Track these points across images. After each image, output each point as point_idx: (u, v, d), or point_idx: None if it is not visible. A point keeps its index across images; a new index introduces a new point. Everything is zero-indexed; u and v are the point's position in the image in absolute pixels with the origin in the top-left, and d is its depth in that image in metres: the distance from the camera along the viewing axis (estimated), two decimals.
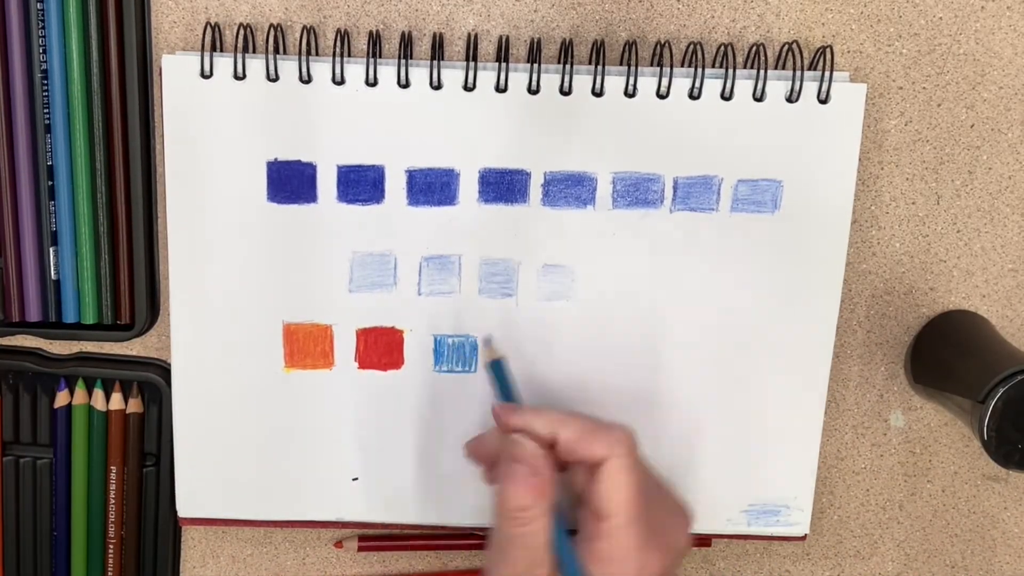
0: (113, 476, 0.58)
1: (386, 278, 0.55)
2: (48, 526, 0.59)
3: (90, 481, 0.58)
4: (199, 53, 0.52)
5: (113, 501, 0.58)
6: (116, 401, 0.57)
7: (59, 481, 0.58)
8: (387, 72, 0.52)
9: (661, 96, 0.53)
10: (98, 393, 0.57)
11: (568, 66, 0.52)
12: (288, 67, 0.52)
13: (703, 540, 0.60)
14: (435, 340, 0.55)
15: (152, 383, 0.57)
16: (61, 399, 0.57)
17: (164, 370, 0.57)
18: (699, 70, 0.52)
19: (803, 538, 0.59)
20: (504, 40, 0.53)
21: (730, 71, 0.53)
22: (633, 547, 0.47)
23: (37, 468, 0.58)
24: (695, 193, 0.54)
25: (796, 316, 0.56)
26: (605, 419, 0.50)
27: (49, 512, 0.58)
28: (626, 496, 0.47)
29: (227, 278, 0.54)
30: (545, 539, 0.47)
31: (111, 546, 0.58)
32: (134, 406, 0.57)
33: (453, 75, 0.52)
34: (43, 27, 0.52)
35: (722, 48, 0.53)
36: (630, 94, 0.53)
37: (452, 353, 0.56)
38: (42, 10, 0.52)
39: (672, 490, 0.53)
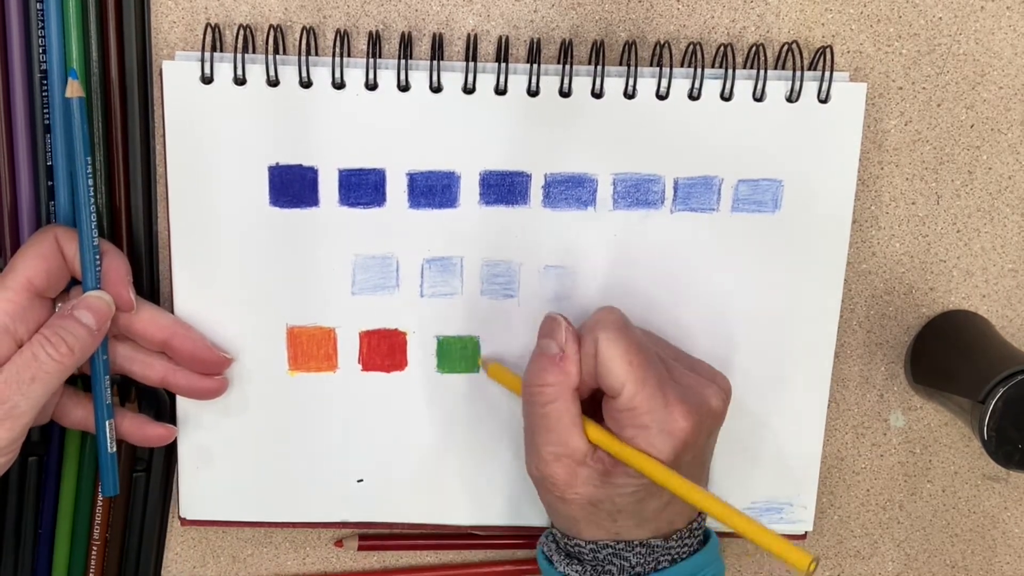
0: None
1: (388, 280, 0.55)
2: (33, 524, 0.58)
3: (79, 482, 0.58)
4: (199, 55, 0.52)
5: (100, 504, 0.58)
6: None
7: (48, 479, 0.58)
8: (387, 76, 0.52)
9: (661, 97, 0.53)
10: None
11: (568, 67, 0.52)
12: (288, 71, 0.52)
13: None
14: (438, 341, 0.55)
15: (150, 388, 0.56)
16: None
17: None
18: (699, 70, 0.52)
19: (804, 536, 0.59)
20: (504, 41, 0.53)
21: (730, 71, 0.53)
22: (652, 408, 0.47)
23: (27, 465, 0.58)
24: (696, 193, 0.54)
25: (797, 316, 0.56)
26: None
27: (35, 510, 0.58)
28: (622, 366, 0.48)
29: (230, 282, 0.54)
30: (571, 418, 0.49)
31: (94, 548, 0.58)
32: (130, 410, 0.57)
33: (453, 78, 0.52)
34: (43, 27, 0.52)
35: (722, 48, 0.53)
36: (630, 95, 0.53)
37: (455, 354, 0.56)
38: (42, 10, 0.52)
39: (694, 359, 0.53)
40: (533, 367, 0.50)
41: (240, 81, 0.52)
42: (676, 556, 0.50)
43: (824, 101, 0.53)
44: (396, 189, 0.53)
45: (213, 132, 0.52)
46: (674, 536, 0.50)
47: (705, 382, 0.50)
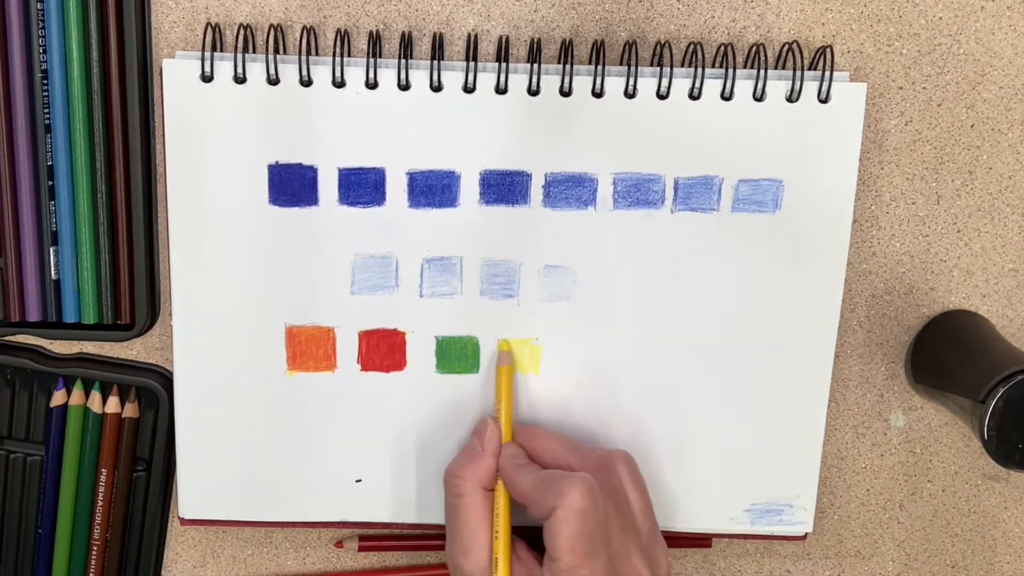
0: (103, 479, 0.57)
1: (388, 280, 0.55)
2: (33, 523, 0.58)
3: (79, 482, 0.58)
4: (199, 54, 0.52)
5: (100, 504, 0.58)
6: (113, 404, 0.57)
7: (48, 479, 0.58)
8: (387, 75, 0.52)
9: (661, 96, 0.53)
10: (95, 395, 0.57)
11: (568, 67, 0.52)
12: (288, 70, 0.52)
13: (703, 540, 0.60)
14: (437, 341, 0.55)
15: (150, 389, 0.56)
16: (58, 398, 0.57)
17: (163, 376, 0.57)
18: (699, 70, 0.52)
19: (803, 537, 0.59)
20: (504, 40, 0.53)
21: (730, 71, 0.53)
22: None
23: (27, 464, 0.58)
24: (696, 193, 0.54)
25: (797, 315, 0.56)
26: (585, 450, 0.53)
27: (36, 509, 0.58)
28: (566, 544, 0.48)
29: (229, 281, 0.54)
30: (479, 518, 0.50)
31: (94, 548, 0.58)
32: (130, 411, 0.57)
33: (453, 77, 0.52)
34: (43, 27, 0.52)
35: (722, 48, 0.53)
36: (630, 95, 0.53)
37: (454, 354, 0.56)
38: (42, 10, 0.52)
39: (650, 526, 0.52)
40: (454, 460, 0.53)
41: (240, 80, 0.52)
42: None
43: (824, 101, 0.53)
44: (396, 188, 0.53)
45: (213, 131, 0.52)
46: None
47: (646, 555, 0.50)
